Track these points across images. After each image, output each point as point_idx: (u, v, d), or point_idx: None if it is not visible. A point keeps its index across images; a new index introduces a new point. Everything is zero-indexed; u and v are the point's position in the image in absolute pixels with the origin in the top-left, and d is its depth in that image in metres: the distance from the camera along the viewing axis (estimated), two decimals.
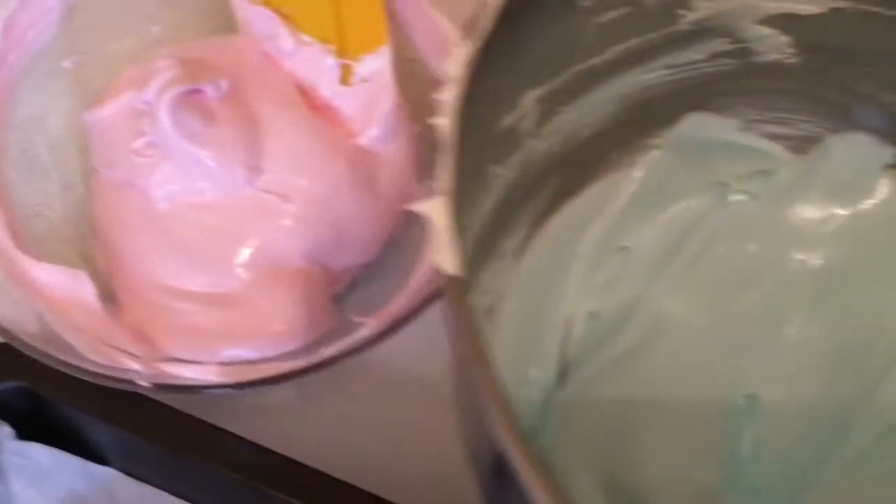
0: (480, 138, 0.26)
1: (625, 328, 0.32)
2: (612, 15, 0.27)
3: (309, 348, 0.33)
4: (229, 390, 0.29)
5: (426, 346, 0.32)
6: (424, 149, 0.37)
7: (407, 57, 0.37)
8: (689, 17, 0.29)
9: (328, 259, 0.35)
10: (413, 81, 0.38)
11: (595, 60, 0.29)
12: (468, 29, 0.20)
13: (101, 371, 0.28)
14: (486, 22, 0.20)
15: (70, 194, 0.37)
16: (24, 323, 0.30)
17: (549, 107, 0.29)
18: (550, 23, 0.25)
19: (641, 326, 0.32)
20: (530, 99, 0.27)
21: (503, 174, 0.29)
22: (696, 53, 0.31)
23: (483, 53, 0.21)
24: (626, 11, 0.27)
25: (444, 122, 0.19)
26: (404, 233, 0.37)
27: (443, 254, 0.18)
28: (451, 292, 0.18)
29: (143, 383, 0.28)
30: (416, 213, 0.37)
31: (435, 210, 0.18)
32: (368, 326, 0.31)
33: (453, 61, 0.20)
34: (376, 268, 0.36)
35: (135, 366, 0.30)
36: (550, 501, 0.18)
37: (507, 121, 0.26)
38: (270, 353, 0.33)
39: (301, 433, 0.32)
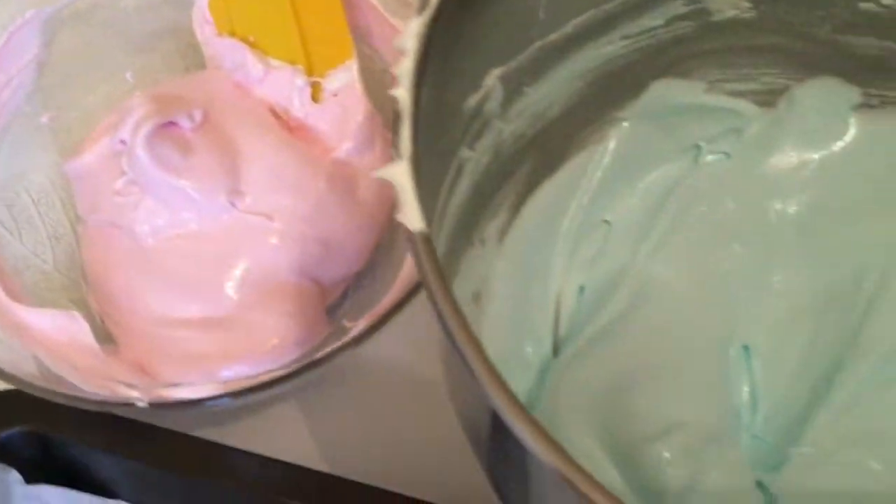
0: (447, 120, 0.26)
1: (614, 296, 0.32)
2: None
3: (306, 358, 0.33)
4: (228, 401, 0.29)
5: (417, 345, 0.33)
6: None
7: (374, 68, 0.38)
8: None
9: (318, 272, 0.35)
10: (383, 90, 0.39)
11: (553, 36, 0.29)
12: (420, 4, 0.21)
13: (100, 398, 0.28)
14: None
15: (59, 244, 0.37)
16: (23, 368, 0.31)
17: (513, 86, 0.29)
18: None
19: (630, 292, 0.32)
20: (493, 77, 0.27)
21: (476, 158, 0.29)
22: (652, 20, 0.31)
23: (436, 28, 0.21)
24: None
25: (401, 93, 0.20)
26: (389, 238, 0.37)
27: (408, 212, 0.18)
28: (419, 247, 0.18)
29: (141, 404, 0.28)
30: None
31: (397, 174, 0.19)
32: (357, 327, 0.31)
33: (405, 35, 0.20)
34: (366, 275, 0.37)
35: (134, 394, 0.30)
36: (546, 450, 0.18)
37: (471, 101, 0.27)
38: (268, 367, 0.33)
39: (306, 442, 0.33)
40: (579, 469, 0.18)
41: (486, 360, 0.18)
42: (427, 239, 0.18)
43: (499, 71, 0.27)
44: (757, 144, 0.34)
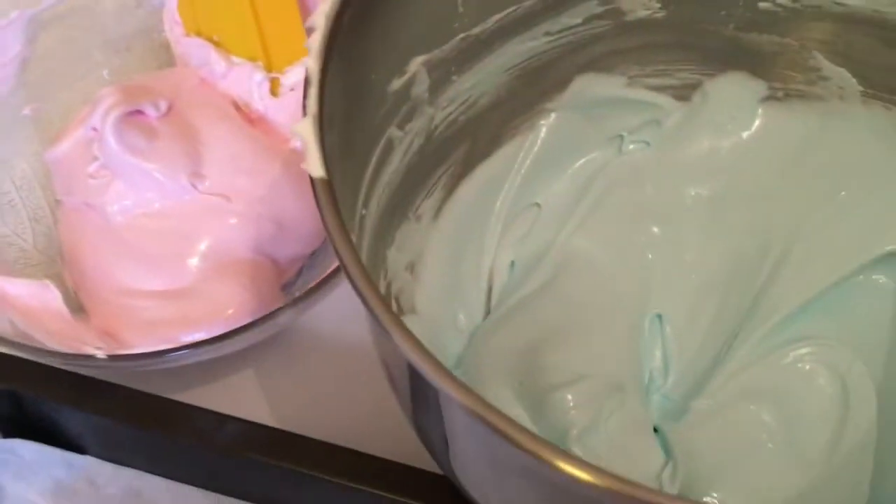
0: (369, 97, 0.29)
1: (538, 267, 0.35)
2: None
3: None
4: (183, 354, 0.32)
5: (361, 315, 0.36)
6: None
7: None
8: None
9: (273, 250, 0.38)
10: None
11: (476, 30, 0.32)
12: None
13: (66, 352, 0.32)
14: None
15: (38, 225, 0.40)
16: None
17: (441, 75, 0.32)
18: None
19: (553, 265, 0.35)
20: (416, 64, 0.30)
21: (407, 139, 0.32)
22: (571, 18, 0.34)
23: (346, 10, 0.25)
24: None
25: (310, 63, 0.23)
26: None
27: (311, 161, 0.21)
28: (320, 192, 0.21)
29: (101, 355, 0.31)
30: None
31: (304, 129, 0.22)
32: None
33: (316, 14, 0.24)
34: (319, 256, 0.40)
35: (98, 353, 0.33)
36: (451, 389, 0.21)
37: (396, 84, 0.30)
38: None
39: (260, 403, 0.36)
40: (476, 397, 0.20)
41: (378, 296, 0.21)
42: (327, 184, 0.21)
43: (422, 58, 0.30)
44: (674, 135, 0.37)
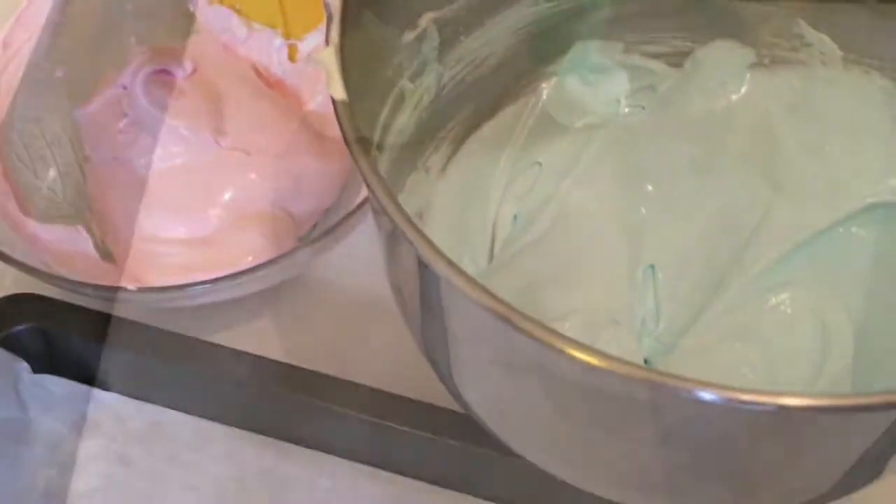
0: (385, 46, 0.32)
1: (537, 219, 0.37)
2: None
3: None
4: (204, 288, 0.34)
5: (372, 263, 0.38)
6: None
7: None
8: None
9: (290, 204, 0.41)
10: None
11: None
12: None
13: (96, 284, 0.34)
14: None
15: (68, 180, 0.43)
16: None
17: (450, 34, 0.35)
18: None
19: (553, 216, 0.37)
20: (427, 20, 0.33)
21: (418, 93, 0.34)
22: None
23: None
24: None
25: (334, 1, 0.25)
26: (355, 179, 0.43)
27: (334, 86, 0.24)
28: (341, 111, 0.23)
29: (131, 288, 0.33)
30: None
31: (327, 56, 0.24)
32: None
33: None
34: (334, 211, 0.42)
35: (128, 286, 0.36)
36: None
37: (408, 37, 0.32)
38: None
39: (273, 342, 0.38)
40: (483, 288, 0.22)
41: (394, 199, 0.23)
42: (347, 105, 0.23)
43: (432, 14, 0.33)
44: (668, 99, 0.40)
